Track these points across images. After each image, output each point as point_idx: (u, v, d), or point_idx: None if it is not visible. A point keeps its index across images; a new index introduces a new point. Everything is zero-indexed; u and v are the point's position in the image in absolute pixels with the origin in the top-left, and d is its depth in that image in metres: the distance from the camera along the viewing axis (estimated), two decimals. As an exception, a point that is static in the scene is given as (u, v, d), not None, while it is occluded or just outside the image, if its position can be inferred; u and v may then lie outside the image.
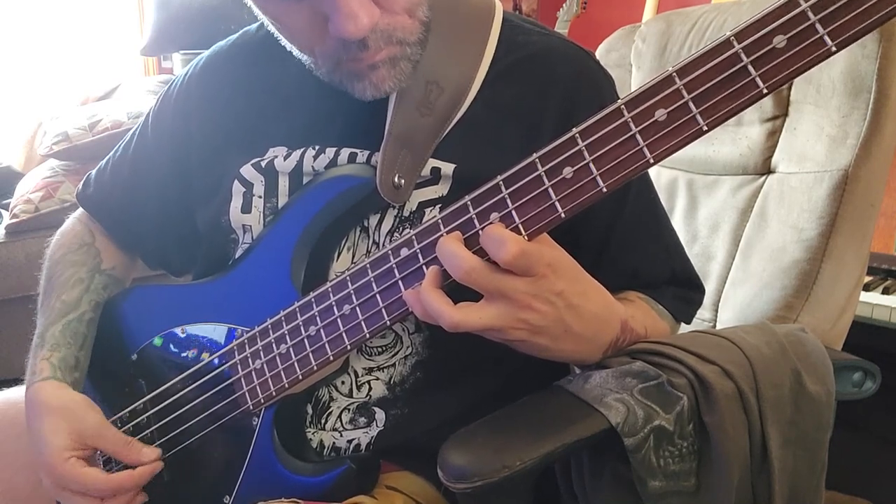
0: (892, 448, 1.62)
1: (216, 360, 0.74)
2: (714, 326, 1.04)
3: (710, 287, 1.05)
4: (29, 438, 0.75)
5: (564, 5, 2.58)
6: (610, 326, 0.64)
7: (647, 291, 0.77)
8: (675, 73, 0.51)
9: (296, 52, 0.68)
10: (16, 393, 0.87)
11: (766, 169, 1.02)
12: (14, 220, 1.96)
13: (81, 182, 0.93)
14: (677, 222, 1.12)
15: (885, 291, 1.52)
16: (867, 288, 1.52)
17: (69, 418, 0.73)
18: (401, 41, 0.64)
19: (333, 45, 0.63)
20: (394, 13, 0.63)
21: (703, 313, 1.05)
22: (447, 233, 0.59)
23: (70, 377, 0.78)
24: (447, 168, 0.70)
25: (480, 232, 0.57)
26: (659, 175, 1.17)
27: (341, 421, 0.72)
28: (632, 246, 0.76)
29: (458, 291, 0.57)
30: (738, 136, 1.04)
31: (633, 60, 1.22)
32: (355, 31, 0.59)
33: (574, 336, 0.60)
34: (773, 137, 1.01)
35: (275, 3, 0.64)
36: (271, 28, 0.68)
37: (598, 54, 1.30)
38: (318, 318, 0.66)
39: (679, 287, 0.79)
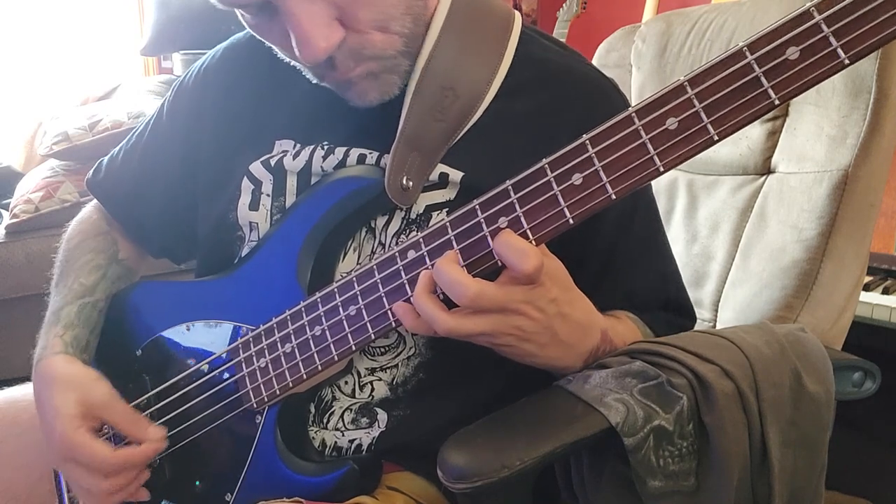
0: (892, 448, 1.63)
1: (221, 358, 0.74)
2: (714, 326, 1.04)
3: (709, 287, 1.05)
4: (38, 412, 0.75)
5: (564, 5, 2.58)
6: (591, 335, 0.65)
7: (639, 313, 0.77)
8: (686, 83, 0.51)
9: (293, 62, 0.68)
10: (16, 393, 0.87)
11: (765, 169, 1.02)
12: (14, 220, 1.96)
13: (93, 168, 0.93)
14: (677, 222, 1.13)
15: (885, 291, 1.52)
16: (867, 288, 1.53)
17: (79, 389, 0.72)
18: (374, 57, 0.64)
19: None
20: (361, 32, 0.62)
21: (703, 313, 1.05)
22: (455, 237, 0.59)
23: (80, 357, 0.77)
24: (455, 175, 0.70)
25: (490, 237, 0.57)
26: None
27: (343, 421, 0.72)
28: (631, 270, 0.76)
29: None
30: (738, 136, 1.04)
31: (632, 61, 1.22)
32: (309, 56, 0.59)
33: (559, 343, 0.61)
34: (772, 137, 1.01)
35: (250, 21, 0.65)
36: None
37: (598, 54, 1.30)
38: (323, 319, 0.67)
39: (671, 313, 0.80)
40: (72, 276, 0.83)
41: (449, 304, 0.57)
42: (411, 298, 0.60)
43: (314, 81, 0.68)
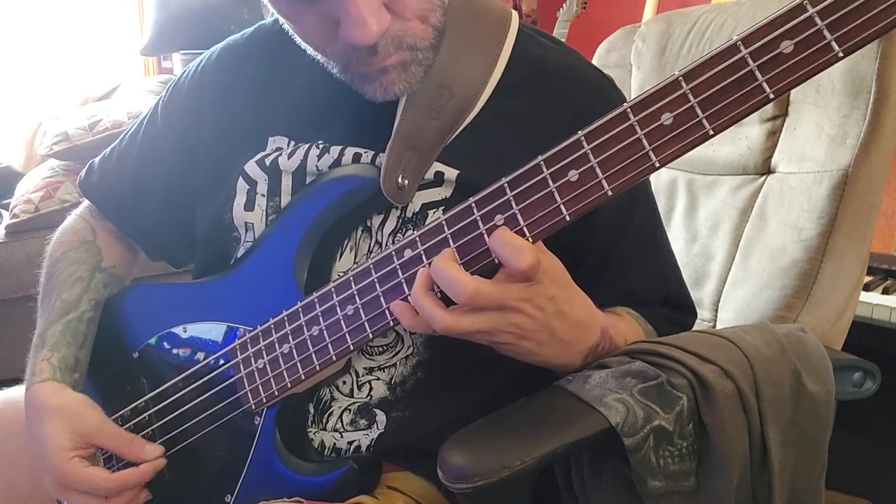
0: (892, 448, 1.63)
1: (218, 360, 0.74)
2: (714, 326, 1.04)
3: (709, 287, 1.05)
4: (31, 440, 0.75)
5: (564, 5, 2.58)
6: (591, 333, 0.65)
7: (639, 310, 0.77)
8: (681, 77, 0.51)
9: (310, 50, 0.68)
10: (16, 393, 0.87)
11: (765, 169, 1.02)
12: (14, 220, 1.96)
13: (84, 170, 0.92)
14: (677, 222, 1.13)
15: (885, 291, 1.52)
16: (867, 288, 1.53)
17: (70, 419, 0.73)
18: (412, 46, 0.65)
19: (343, 47, 0.63)
20: (405, 19, 0.63)
21: (703, 313, 1.05)
22: (451, 235, 0.59)
23: (70, 378, 0.78)
24: (451, 173, 0.70)
25: (486, 235, 0.57)
26: (659, 175, 1.17)
27: (342, 421, 0.72)
28: (630, 269, 0.76)
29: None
30: (738, 136, 1.04)
31: (633, 60, 1.22)
32: (363, 37, 0.60)
33: (558, 341, 0.61)
34: (772, 137, 1.01)
35: (286, 3, 0.65)
36: (286, 26, 0.69)
37: (598, 54, 1.30)
38: (320, 318, 0.67)
39: (672, 309, 0.80)
40: (54, 293, 0.83)
41: (447, 302, 0.57)
42: (409, 297, 0.60)
43: (334, 72, 0.68)
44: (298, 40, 0.69)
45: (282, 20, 0.68)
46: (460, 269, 0.56)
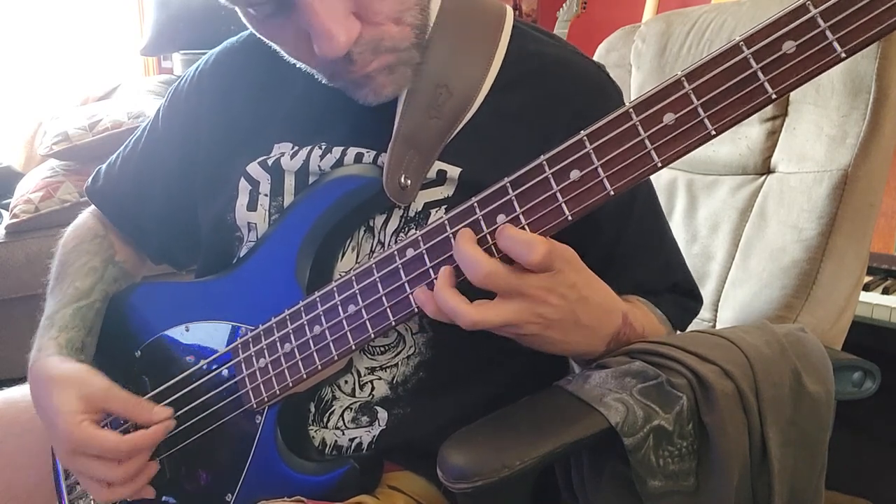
0: (892, 448, 1.63)
1: (220, 359, 0.74)
2: (714, 326, 1.04)
3: (709, 287, 1.05)
4: (38, 413, 0.74)
5: (564, 5, 2.58)
6: (613, 317, 0.65)
7: (648, 297, 0.77)
8: (683, 78, 0.51)
9: (300, 64, 0.68)
10: (16, 393, 0.87)
11: (765, 169, 1.02)
12: (14, 220, 1.96)
13: (91, 176, 0.93)
14: (677, 222, 1.13)
15: (885, 291, 1.52)
16: (867, 288, 1.53)
17: (76, 385, 0.72)
18: (391, 49, 0.64)
19: (323, 59, 0.63)
20: (377, 24, 0.62)
21: (703, 313, 1.05)
22: (454, 234, 0.59)
23: (75, 357, 0.77)
24: (453, 171, 0.70)
25: (489, 235, 0.57)
26: (659, 175, 1.17)
27: (343, 420, 0.72)
28: (634, 262, 0.77)
29: (469, 289, 0.57)
30: (738, 135, 1.04)
31: (632, 60, 1.22)
32: (332, 50, 0.59)
33: (582, 327, 0.61)
34: (772, 137, 1.01)
35: (259, 23, 0.65)
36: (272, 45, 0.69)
37: (598, 54, 1.30)
38: (322, 318, 0.67)
39: (679, 296, 0.80)
40: (67, 280, 0.83)
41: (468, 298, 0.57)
42: (411, 295, 0.60)
43: (324, 82, 0.68)
44: (287, 55, 0.69)
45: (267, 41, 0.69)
46: (479, 250, 0.56)
